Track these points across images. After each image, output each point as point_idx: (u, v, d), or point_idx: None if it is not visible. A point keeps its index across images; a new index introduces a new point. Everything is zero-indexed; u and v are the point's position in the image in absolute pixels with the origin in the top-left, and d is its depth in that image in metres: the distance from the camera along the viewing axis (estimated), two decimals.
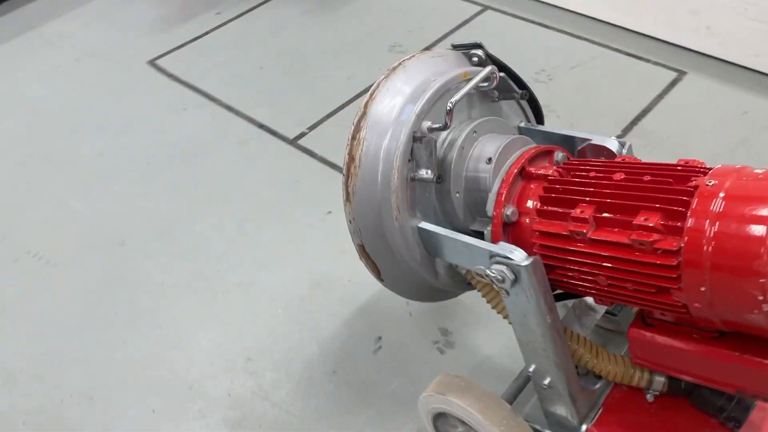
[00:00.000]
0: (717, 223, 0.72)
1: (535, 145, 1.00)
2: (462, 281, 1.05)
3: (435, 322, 1.44)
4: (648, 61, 2.06)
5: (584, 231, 0.84)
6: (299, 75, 2.16)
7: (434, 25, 2.31)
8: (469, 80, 1.00)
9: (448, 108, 0.93)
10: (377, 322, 1.45)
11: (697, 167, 0.82)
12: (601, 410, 1.01)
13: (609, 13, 2.20)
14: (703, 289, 0.74)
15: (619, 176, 0.86)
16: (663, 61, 2.05)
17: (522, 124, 1.11)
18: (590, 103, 1.93)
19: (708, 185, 0.75)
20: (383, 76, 1.00)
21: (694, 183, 0.78)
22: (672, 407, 0.99)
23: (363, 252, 1.01)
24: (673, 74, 2.01)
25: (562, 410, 1.01)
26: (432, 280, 1.03)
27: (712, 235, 0.72)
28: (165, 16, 2.48)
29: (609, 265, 0.83)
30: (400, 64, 1.02)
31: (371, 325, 1.45)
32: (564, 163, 0.96)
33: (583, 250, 0.85)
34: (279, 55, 2.26)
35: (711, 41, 2.01)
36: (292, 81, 2.14)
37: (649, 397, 0.99)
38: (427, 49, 2.20)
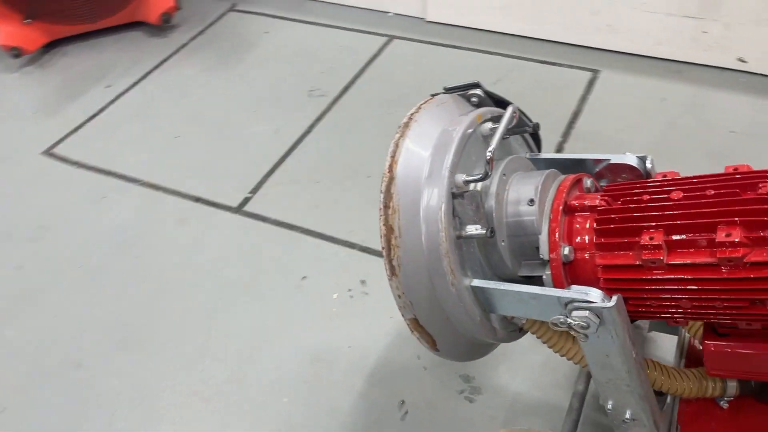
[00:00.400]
0: None
1: (563, 176, 0.97)
2: (515, 331, 0.99)
3: (453, 369, 1.37)
4: (561, 65, 2.13)
5: (660, 258, 0.81)
6: (222, 137, 2.02)
7: (346, 63, 2.25)
8: (486, 122, 0.96)
9: (488, 157, 0.88)
10: (394, 385, 1.36)
11: (755, 173, 0.82)
12: (679, 429, 0.99)
13: (514, 26, 2.25)
14: None
15: (677, 195, 0.84)
16: (576, 63, 2.13)
17: (528, 155, 1.08)
18: None
19: None
20: (398, 135, 0.93)
21: (764, 189, 0.77)
22: (744, 408, 0.99)
23: (417, 326, 0.92)
24: (589, 74, 2.09)
25: None
26: (489, 338, 0.96)
27: None
28: (49, 98, 2.23)
29: (694, 287, 0.81)
30: (410, 119, 0.95)
31: (390, 391, 1.35)
32: (605, 190, 0.93)
33: (661, 277, 0.82)
34: (193, 120, 2.10)
35: (615, 37, 2.12)
36: (216, 145, 2.00)
37: (723, 404, 0.99)
38: (348, 88, 2.15)
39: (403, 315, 0.93)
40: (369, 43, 2.34)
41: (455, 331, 0.94)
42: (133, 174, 1.92)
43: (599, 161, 1.04)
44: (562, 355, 0.96)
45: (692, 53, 2.03)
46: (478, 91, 1.02)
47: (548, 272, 0.90)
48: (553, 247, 0.89)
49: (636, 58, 2.11)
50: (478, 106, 1.03)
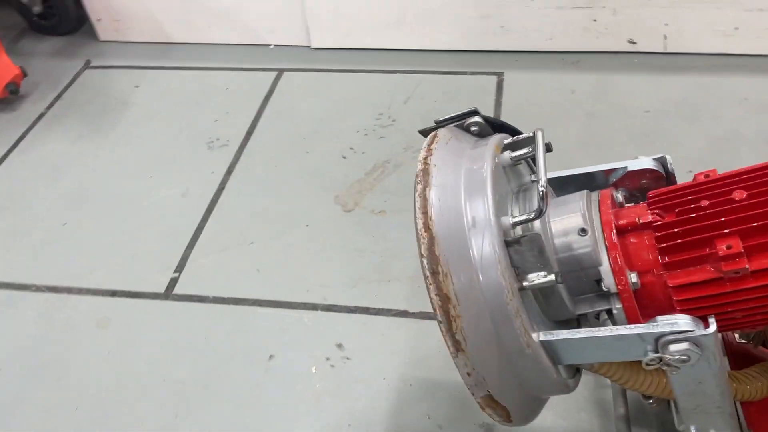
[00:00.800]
0: None
1: (595, 194, 0.88)
2: (577, 374, 0.89)
3: (470, 419, 1.24)
4: (466, 73, 2.09)
5: (744, 266, 0.74)
6: (121, 214, 1.74)
7: (240, 106, 2.05)
8: (505, 150, 0.85)
9: (542, 191, 0.76)
10: None
11: None
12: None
13: (407, 41, 2.18)
14: None
15: (740, 194, 0.78)
16: (479, 69, 2.09)
17: (533, 177, 0.98)
18: None
19: None
20: (421, 186, 0.79)
21: None
22: None
23: (491, 402, 0.78)
24: (494, 78, 2.06)
25: None
26: (563, 392, 0.84)
27: None
28: None
29: None
30: (427, 165, 0.81)
31: None
32: (651, 203, 0.85)
33: (746, 287, 0.75)
34: (77, 200, 1.79)
35: (510, 38, 2.11)
36: (117, 224, 1.71)
37: None
38: (251, 132, 1.95)
39: (473, 394, 0.78)
40: (258, 81, 2.15)
41: (527, 394, 0.82)
42: (20, 279, 1.59)
43: (611, 171, 0.97)
44: (635, 390, 0.87)
45: (586, 42, 2.07)
46: (477, 119, 0.91)
47: (618, 305, 0.81)
48: (619, 276, 0.80)
49: (534, 54, 2.11)
50: (479, 134, 0.92)
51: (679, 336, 0.74)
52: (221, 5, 2.25)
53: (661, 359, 0.75)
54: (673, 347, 0.74)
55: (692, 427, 0.87)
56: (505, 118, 2.01)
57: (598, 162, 0.98)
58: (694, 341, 0.74)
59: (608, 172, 0.97)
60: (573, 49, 2.09)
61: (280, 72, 2.18)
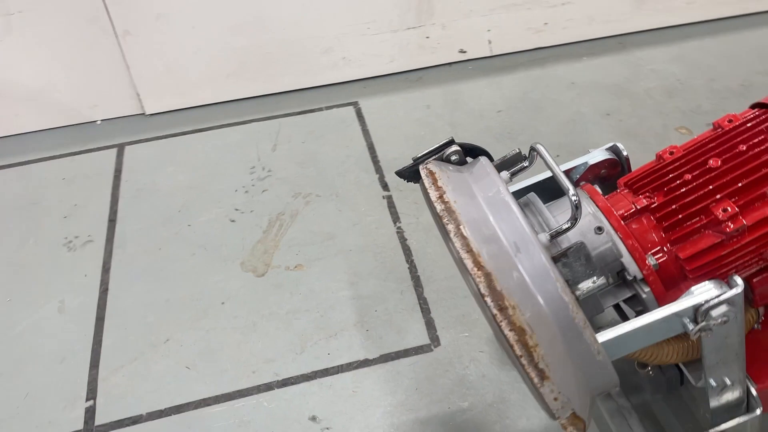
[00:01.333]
0: None
1: (585, 192, 0.92)
2: None
3: None
4: (321, 109, 2.06)
5: (743, 223, 0.82)
6: None
7: (88, 194, 1.81)
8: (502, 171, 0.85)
9: (575, 200, 0.77)
10: None
11: (750, 119, 0.88)
12: None
13: (251, 89, 2.09)
14: None
15: (716, 162, 0.86)
16: (335, 102, 2.08)
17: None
18: (323, 169, 1.83)
19: None
20: (453, 225, 0.76)
21: None
22: None
23: (574, 419, 0.77)
24: (351, 108, 2.06)
25: (734, 395, 1.00)
26: (615, 388, 0.86)
27: None
28: None
29: None
30: (447, 202, 0.78)
31: None
32: (635, 188, 0.90)
33: (746, 241, 0.84)
34: None
35: (353, 67, 2.13)
36: None
37: (758, 327, 1.06)
38: (114, 220, 1.73)
39: (558, 417, 0.77)
40: (97, 162, 1.92)
41: (593, 398, 0.82)
42: None
43: (571, 169, 1.02)
44: (660, 363, 0.92)
45: (424, 58, 2.16)
46: (455, 147, 0.90)
47: (647, 289, 0.85)
48: (641, 262, 0.84)
49: (380, 78, 2.16)
50: (458, 163, 0.91)
51: (717, 301, 0.80)
52: (28, 90, 1.97)
53: (703, 327, 0.80)
54: (714, 312, 0.80)
55: (711, 380, 0.94)
56: (379, 145, 2.05)
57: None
58: (729, 302, 0.80)
59: (568, 171, 1.03)
60: (414, 67, 2.17)
61: (120, 147, 1.97)
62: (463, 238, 0.75)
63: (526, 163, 0.87)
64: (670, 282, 0.86)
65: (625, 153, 1.00)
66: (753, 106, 0.94)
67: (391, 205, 1.72)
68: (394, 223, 1.66)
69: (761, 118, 0.88)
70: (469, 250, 0.74)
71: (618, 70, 2.11)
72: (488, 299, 0.72)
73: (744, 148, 0.86)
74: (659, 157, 0.94)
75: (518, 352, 0.73)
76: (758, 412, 0.97)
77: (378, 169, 1.83)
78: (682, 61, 2.12)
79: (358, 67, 2.13)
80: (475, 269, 0.73)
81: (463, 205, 0.78)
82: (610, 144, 1.02)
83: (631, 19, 2.21)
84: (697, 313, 0.80)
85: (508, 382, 1.30)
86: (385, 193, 1.75)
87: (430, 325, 1.42)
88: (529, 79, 2.12)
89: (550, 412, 0.76)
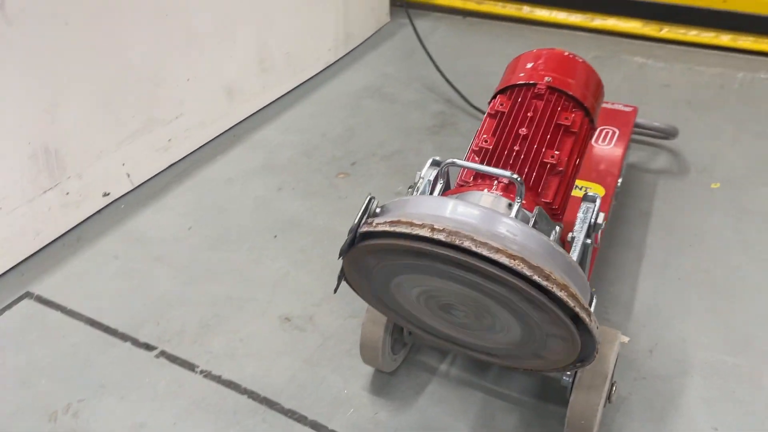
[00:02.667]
0: None
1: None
2: None
3: None
4: None
5: (565, 160, 1.13)
6: None
7: None
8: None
9: (520, 180, 0.92)
10: None
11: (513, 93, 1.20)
12: None
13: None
14: None
15: (523, 132, 1.13)
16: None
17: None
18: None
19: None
20: (469, 242, 0.82)
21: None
22: None
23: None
24: (28, 300, 1.69)
25: None
26: None
27: None
28: None
29: None
30: (449, 233, 0.84)
31: None
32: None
33: (570, 170, 1.14)
34: None
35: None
36: None
37: None
38: None
39: (599, 341, 0.92)
40: None
41: None
42: None
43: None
44: None
45: (71, 217, 1.92)
46: (374, 200, 0.94)
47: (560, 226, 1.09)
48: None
49: (37, 256, 1.82)
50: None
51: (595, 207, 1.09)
52: None
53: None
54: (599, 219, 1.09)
55: None
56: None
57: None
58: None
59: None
60: (65, 229, 1.91)
61: None
62: (483, 244, 0.83)
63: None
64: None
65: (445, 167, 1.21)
66: (496, 94, 1.26)
67: None
68: None
69: (521, 92, 1.21)
70: (497, 250, 0.83)
71: (253, 155, 2.29)
72: (536, 276, 0.83)
73: (531, 114, 1.16)
74: (481, 148, 1.17)
75: (572, 303, 0.86)
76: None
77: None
78: (292, 127, 2.43)
79: (3, 256, 1.76)
80: (512, 260, 0.83)
81: (457, 225, 0.86)
82: (430, 160, 1.21)
83: (231, 111, 2.42)
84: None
85: None
86: None
87: None
88: (182, 198, 2.10)
89: (594, 336, 0.91)
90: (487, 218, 0.89)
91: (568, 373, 1.29)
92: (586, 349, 0.98)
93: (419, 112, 2.49)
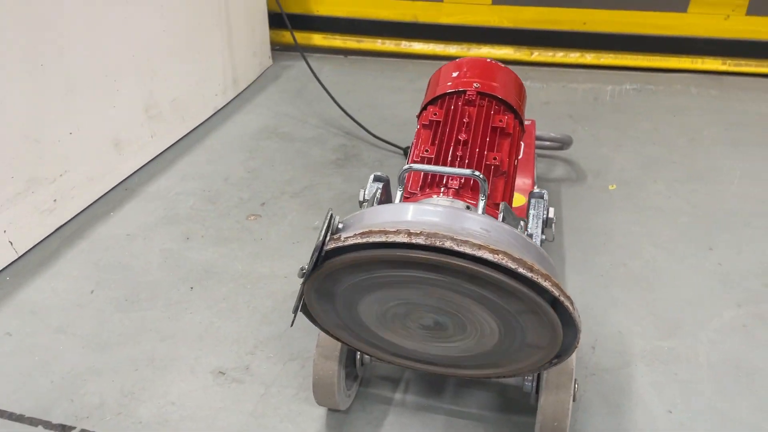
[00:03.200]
0: None
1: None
2: None
3: None
4: None
5: (506, 161, 1.14)
6: None
7: None
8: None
9: (482, 177, 0.90)
10: None
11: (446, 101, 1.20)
12: None
13: None
14: None
15: (462, 136, 1.13)
16: None
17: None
18: None
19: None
20: (451, 242, 0.79)
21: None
22: None
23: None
24: None
25: None
26: None
27: None
28: None
29: None
30: (429, 235, 0.80)
31: None
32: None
33: (511, 172, 1.15)
34: None
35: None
36: None
37: None
38: None
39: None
40: None
41: None
42: None
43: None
44: None
45: None
46: (336, 216, 0.89)
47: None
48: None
49: None
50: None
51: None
52: None
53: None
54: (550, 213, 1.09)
55: None
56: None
57: None
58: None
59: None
60: None
61: None
62: (464, 242, 0.80)
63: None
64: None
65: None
66: (425, 106, 1.26)
67: None
68: None
69: (453, 100, 1.21)
70: (480, 246, 0.80)
71: (151, 207, 2.13)
72: (521, 269, 0.81)
73: (466, 119, 1.16)
74: (423, 158, 1.15)
75: (557, 292, 0.84)
76: None
77: None
78: (189, 175, 2.30)
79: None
80: (495, 255, 0.80)
81: (432, 227, 0.82)
82: (372, 175, 1.16)
83: (120, 164, 2.25)
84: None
85: None
86: None
87: None
88: (77, 261, 1.90)
89: (577, 323, 0.91)
90: (459, 217, 0.87)
91: (530, 378, 1.28)
92: (566, 341, 0.96)
93: (320, 148, 2.45)
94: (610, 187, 2.18)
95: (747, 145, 2.38)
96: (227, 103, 2.78)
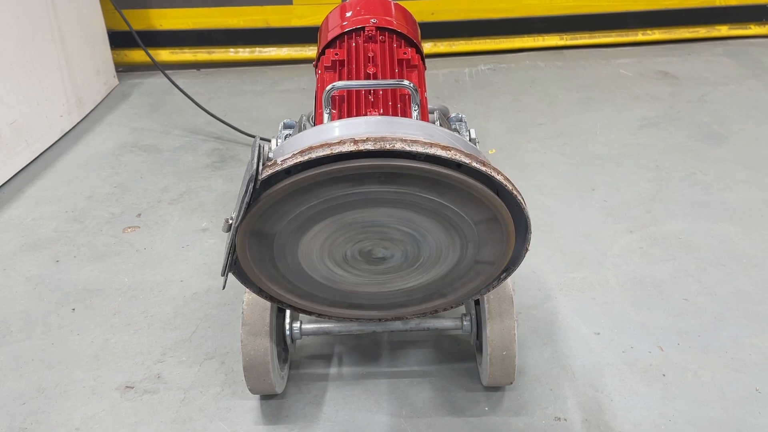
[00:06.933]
0: None
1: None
2: None
3: None
4: None
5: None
6: None
7: None
8: None
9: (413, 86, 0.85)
10: None
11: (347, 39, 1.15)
12: None
13: None
14: None
15: (370, 69, 1.08)
16: None
17: None
18: None
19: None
20: (401, 144, 0.73)
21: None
22: None
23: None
24: None
25: None
26: None
27: None
28: None
29: None
30: (377, 139, 0.74)
31: None
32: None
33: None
34: None
35: None
36: None
37: None
38: None
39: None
40: None
41: None
42: None
43: None
44: None
45: None
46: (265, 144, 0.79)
47: None
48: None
49: None
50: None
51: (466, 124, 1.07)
52: None
53: None
54: (473, 134, 1.07)
55: None
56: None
57: None
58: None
59: None
60: None
61: None
62: (414, 142, 0.76)
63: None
64: None
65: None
66: (323, 51, 1.20)
67: None
68: None
69: (352, 38, 1.16)
70: (431, 144, 0.76)
71: (7, 236, 1.86)
72: (474, 163, 0.78)
73: (371, 54, 1.12)
74: (335, 96, 1.08)
75: (510, 186, 0.82)
76: None
77: None
78: (45, 198, 2.04)
79: None
80: (447, 151, 0.77)
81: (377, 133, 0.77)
82: (282, 123, 1.08)
83: None
84: None
85: None
86: None
87: None
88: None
89: (527, 220, 0.89)
90: (401, 124, 0.82)
91: (468, 317, 1.25)
92: (516, 248, 0.95)
93: (192, 154, 2.30)
94: (490, 152, 2.24)
95: (598, 102, 2.58)
96: (76, 125, 2.52)
